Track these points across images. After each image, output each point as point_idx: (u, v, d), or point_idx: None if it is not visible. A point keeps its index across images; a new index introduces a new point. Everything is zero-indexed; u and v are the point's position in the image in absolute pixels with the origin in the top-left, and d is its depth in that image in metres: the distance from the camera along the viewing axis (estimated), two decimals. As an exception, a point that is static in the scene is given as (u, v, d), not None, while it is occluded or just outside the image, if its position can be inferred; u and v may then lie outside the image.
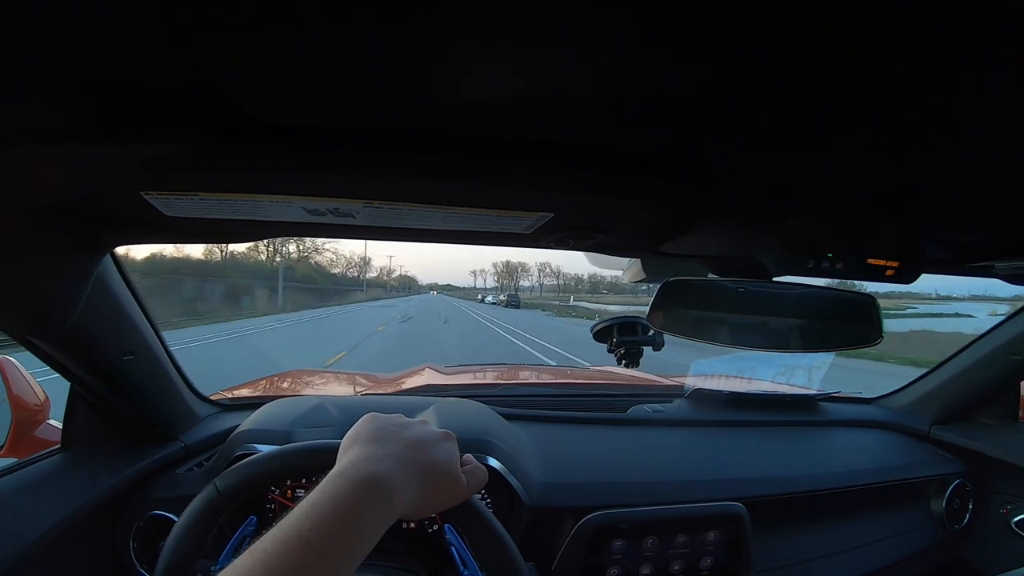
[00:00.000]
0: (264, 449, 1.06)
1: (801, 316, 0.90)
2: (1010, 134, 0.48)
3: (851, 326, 0.93)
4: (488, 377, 2.08)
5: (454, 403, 1.36)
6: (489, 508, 1.07)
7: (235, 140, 0.49)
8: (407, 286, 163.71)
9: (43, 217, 0.70)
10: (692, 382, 1.71)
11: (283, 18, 0.33)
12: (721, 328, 0.91)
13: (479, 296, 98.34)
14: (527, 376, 2.09)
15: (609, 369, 2.17)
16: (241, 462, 0.84)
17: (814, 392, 1.79)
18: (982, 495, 1.57)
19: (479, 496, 1.08)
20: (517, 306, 55.87)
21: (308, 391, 1.78)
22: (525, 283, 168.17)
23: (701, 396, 1.65)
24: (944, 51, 0.35)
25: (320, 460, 0.78)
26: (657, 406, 1.59)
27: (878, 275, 0.84)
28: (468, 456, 0.75)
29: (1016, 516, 1.49)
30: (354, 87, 0.43)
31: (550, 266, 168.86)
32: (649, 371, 1.96)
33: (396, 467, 0.61)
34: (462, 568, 0.91)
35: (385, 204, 0.67)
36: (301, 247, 64.37)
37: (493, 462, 1.12)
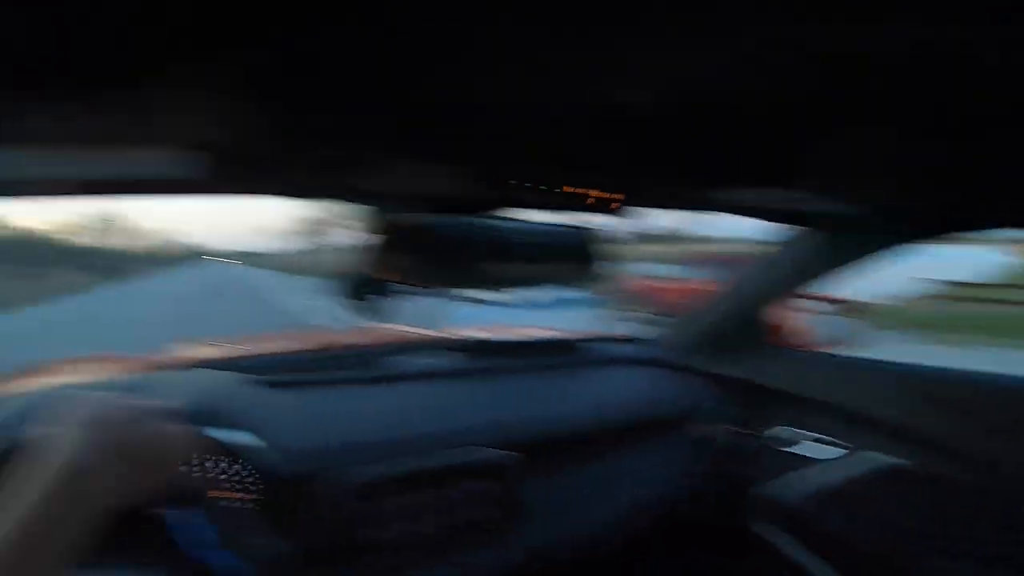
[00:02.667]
0: None
1: (525, 254, 0.87)
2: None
3: (566, 262, 0.92)
4: (245, 345, 1.92)
5: (196, 376, 1.27)
6: (239, 482, 1.01)
7: None
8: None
9: None
10: (458, 332, 1.68)
11: None
12: (455, 272, 0.85)
13: None
14: (286, 342, 1.97)
15: (374, 326, 2.11)
16: None
17: (580, 333, 1.82)
18: (750, 421, 1.66)
19: (214, 467, 1.01)
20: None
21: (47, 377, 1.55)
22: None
23: (466, 346, 1.63)
24: None
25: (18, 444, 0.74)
26: (424, 360, 1.56)
27: (593, 207, 0.83)
28: (180, 427, 0.69)
29: (785, 437, 1.59)
30: None
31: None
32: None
33: (98, 453, 0.58)
34: (194, 549, 0.87)
35: None
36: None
37: (237, 435, 1.03)
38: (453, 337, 1.64)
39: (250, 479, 1.03)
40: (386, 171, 0.76)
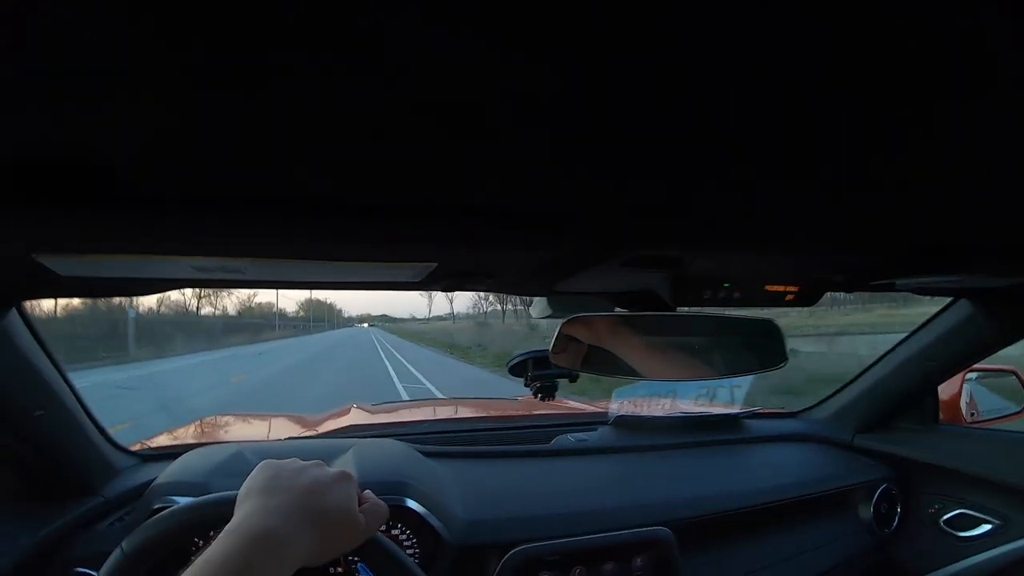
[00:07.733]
0: (181, 501, 1.02)
1: (705, 345, 0.90)
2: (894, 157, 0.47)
3: (755, 351, 0.93)
4: (414, 414, 2.03)
5: (372, 445, 1.33)
6: (412, 549, 1.07)
7: (115, 206, 0.48)
8: (321, 318, 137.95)
9: None
10: (615, 408, 1.70)
11: (150, 95, 0.33)
12: (626, 362, 0.89)
13: None
14: (452, 412, 2.06)
15: (534, 400, 2.16)
16: (145, 523, 0.81)
17: (737, 410, 1.81)
18: (910, 497, 1.60)
19: (390, 533, 1.07)
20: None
21: (231, 437, 1.72)
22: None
23: (625, 422, 1.64)
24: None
25: (220, 511, 0.76)
26: (581, 435, 1.59)
27: (778, 300, 0.85)
28: (367, 493, 0.74)
29: (944, 514, 1.52)
30: (224, 161, 0.42)
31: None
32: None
33: (289, 519, 0.61)
34: None
35: (270, 261, 0.67)
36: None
37: (412, 503, 1.09)
38: (619, 413, 1.67)
39: (419, 546, 1.09)
40: (597, 274, 0.81)
